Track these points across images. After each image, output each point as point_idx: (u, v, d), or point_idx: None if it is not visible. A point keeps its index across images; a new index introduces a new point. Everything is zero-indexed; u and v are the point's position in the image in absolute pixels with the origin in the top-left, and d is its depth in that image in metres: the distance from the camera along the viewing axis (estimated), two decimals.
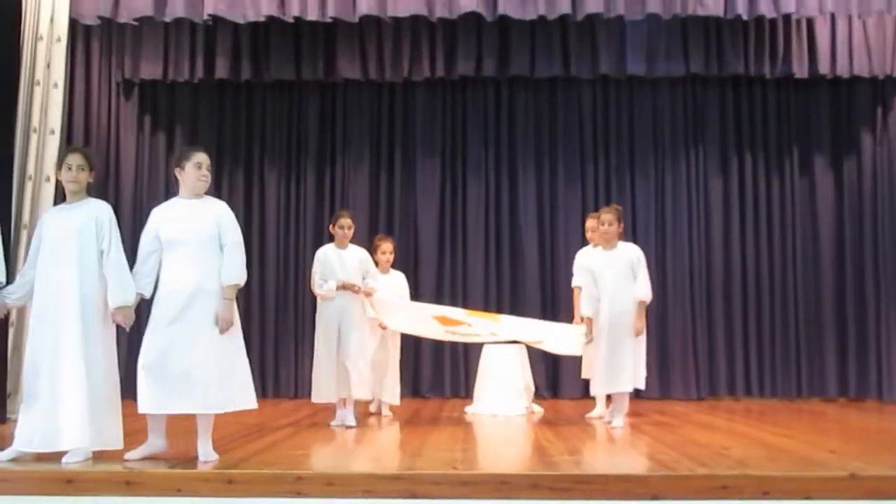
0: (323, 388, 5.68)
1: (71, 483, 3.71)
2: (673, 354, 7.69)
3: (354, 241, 5.95)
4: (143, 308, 4.35)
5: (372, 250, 6.22)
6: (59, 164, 4.38)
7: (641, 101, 7.86)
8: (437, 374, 7.71)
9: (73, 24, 6.59)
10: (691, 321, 7.73)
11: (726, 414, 6.46)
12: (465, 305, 7.16)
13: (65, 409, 4.07)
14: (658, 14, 6.33)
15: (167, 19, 6.45)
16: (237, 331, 4.31)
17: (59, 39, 6.17)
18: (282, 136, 7.91)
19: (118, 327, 4.31)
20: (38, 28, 6.08)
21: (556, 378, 7.66)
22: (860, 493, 3.55)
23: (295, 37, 7.40)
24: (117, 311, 4.18)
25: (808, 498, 3.55)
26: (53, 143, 6.07)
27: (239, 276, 4.29)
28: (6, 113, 5.78)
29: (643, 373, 5.92)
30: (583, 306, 5.93)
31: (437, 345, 7.42)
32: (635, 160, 7.87)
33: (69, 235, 4.24)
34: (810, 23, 7.31)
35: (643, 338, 5.86)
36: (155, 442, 4.21)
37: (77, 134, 7.33)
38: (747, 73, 7.49)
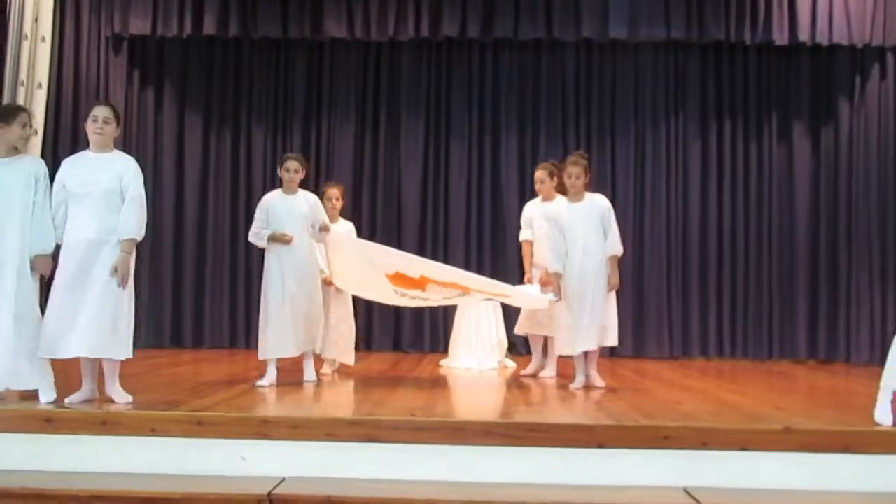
0: (270, 344, 5.29)
1: (50, 422, 3.92)
2: (648, 315, 7.87)
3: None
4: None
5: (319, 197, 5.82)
6: (9, 119, 4.55)
7: (623, 66, 7.96)
8: (418, 329, 7.90)
9: None
10: (666, 282, 7.91)
11: (695, 373, 6.64)
12: (447, 263, 7.33)
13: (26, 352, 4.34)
14: None
15: None
16: (131, 284, 4.50)
17: None
18: (269, 93, 8.03)
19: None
20: None
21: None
22: (794, 445, 3.75)
23: (282, 1, 7.51)
24: (37, 259, 4.40)
25: (743, 449, 3.74)
26: (41, 98, 6.23)
27: (134, 230, 4.44)
28: None
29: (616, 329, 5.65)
30: (550, 261, 5.57)
31: None
32: (616, 123, 8.00)
33: (12, 189, 4.44)
34: None
35: (614, 293, 5.56)
36: (88, 387, 4.43)
37: (66, 88, 7.43)
38: (728, 39, 7.58)
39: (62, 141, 6.99)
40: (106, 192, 4.39)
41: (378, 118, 8.02)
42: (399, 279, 5.70)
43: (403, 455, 3.81)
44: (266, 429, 3.86)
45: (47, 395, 4.30)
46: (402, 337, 7.93)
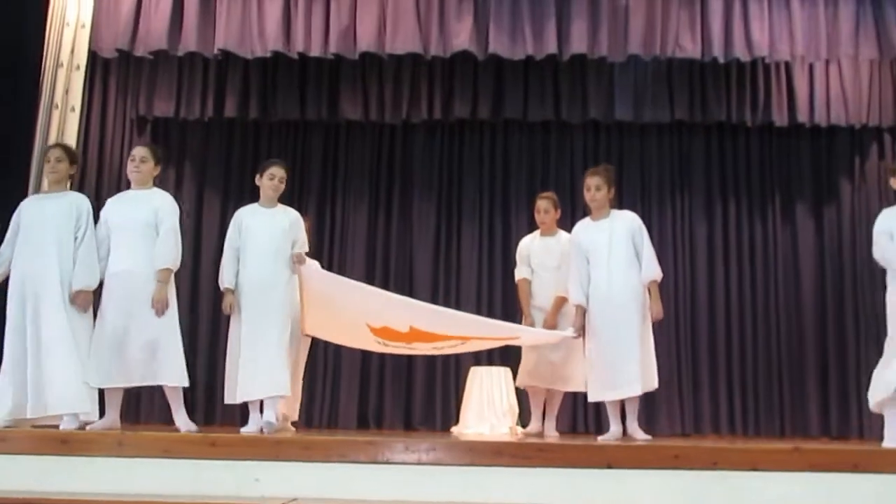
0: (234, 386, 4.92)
1: (66, 443, 3.99)
2: (658, 392, 7.82)
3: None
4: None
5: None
6: (42, 157, 4.82)
7: (629, 146, 8.20)
8: (429, 404, 7.89)
9: (93, 58, 7.08)
10: (676, 359, 7.93)
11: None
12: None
13: (56, 379, 4.41)
14: (639, 55, 6.73)
15: (180, 53, 6.89)
16: (172, 311, 4.63)
17: (78, 68, 6.62)
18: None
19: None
20: (59, 56, 6.54)
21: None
22: (804, 465, 3.78)
23: (301, 77, 7.82)
24: (78, 294, 4.56)
25: (754, 469, 3.77)
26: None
27: (170, 260, 4.64)
28: (26, 132, 6.21)
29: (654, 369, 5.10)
30: (571, 291, 5.03)
31: (429, 374, 7.67)
32: (623, 202, 8.08)
33: (52, 222, 4.64)
34: (789, 72, 7.69)
35: (650, 327, 5.01)
36: (112, 417, 4.53)
37: (91, 166, 7.69)
38: (729, 120, 7.84)
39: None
40: (144, 225, 4.63)
41: (391, 196, 8.23)
42: (385, 333, 5.27)
43: (414, 476, 3.86)
44: (278, 450, 3.92)
45: (72, 424, 4.38)
46: (413, 414, 7.93)
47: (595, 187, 5.06)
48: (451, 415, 7.74)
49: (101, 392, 4.73)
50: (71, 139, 6.50)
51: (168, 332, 4.62)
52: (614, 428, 4.91)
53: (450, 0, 6.82)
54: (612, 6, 6.77)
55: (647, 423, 7.73)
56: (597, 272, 4.93)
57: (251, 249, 4.94)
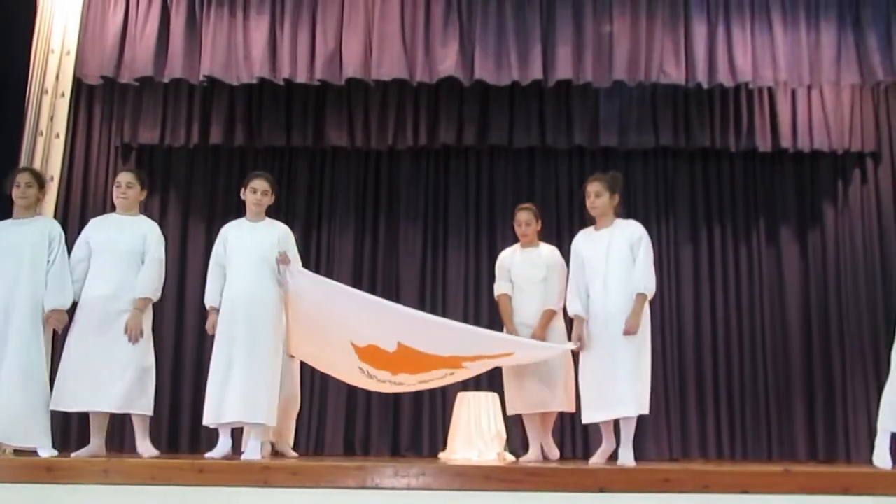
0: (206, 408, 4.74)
1: (50, 471, 3.93)
2: (646, 418, 7.79)
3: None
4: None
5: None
6: (10, 183, 4.77)
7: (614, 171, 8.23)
8: (416, 430, 7.84)
9: (78, 85, 7.07)
10: (663, 384, 7.91)
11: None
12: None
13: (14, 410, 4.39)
14: (624, 81, 6.78)
15: (166, 80, 6.89)
16: (146, 340, 4.67)
17: (63, 95, 6.61)
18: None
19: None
20: (43, 83, 6.53)
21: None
22: (794, 487, 3.77)
23: (286, 104, 7.83)
24: (52, 314, 4.54)
25: (745, 492, 3.76)
26: (52, 190, 6.44)
27: (150, 290, 4.62)
28: (11, 159, 6.18)
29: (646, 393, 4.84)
30: (569, 302, 4.83)
31: (416, 400, 7.63)
32: None
33: (22, 249, 4.61)
34: (772, 98, 7.77)
35: (647, 347, 4.79)
36: (97, 443, 4.49)
37: (75, 192, 7.66)
38: (714, 145, 7.90)
39: (70, 233, 7.14)
40: (127, 251, 4.60)
41: (377, 222, 8.22)
42: (370, 355, 4.97)
43: (404, 501, 3.82)
44: (266, 475, 3.87)
45: (48, 452, 4.34)
46: (401, 440, 7.87)
47: (595, 194, 4.88)
48: (439, 441, 7.69)
49: (86, 418, 4.69)
50: (55, 166, 6.49)
51: (140, 359, 4.59)
52: (606, 445, 4.81)
53: (435, 26, 6.86)
54: (597, 33, 6.83)
55: (634, 448, 7.70)
56: (593, 284, 4.74)
57: (236, 265, 4.78)
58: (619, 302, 4.63)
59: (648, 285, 4.66)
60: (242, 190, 5.02)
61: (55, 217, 6.51)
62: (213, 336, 4.93)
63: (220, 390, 4.59)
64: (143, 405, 4.60)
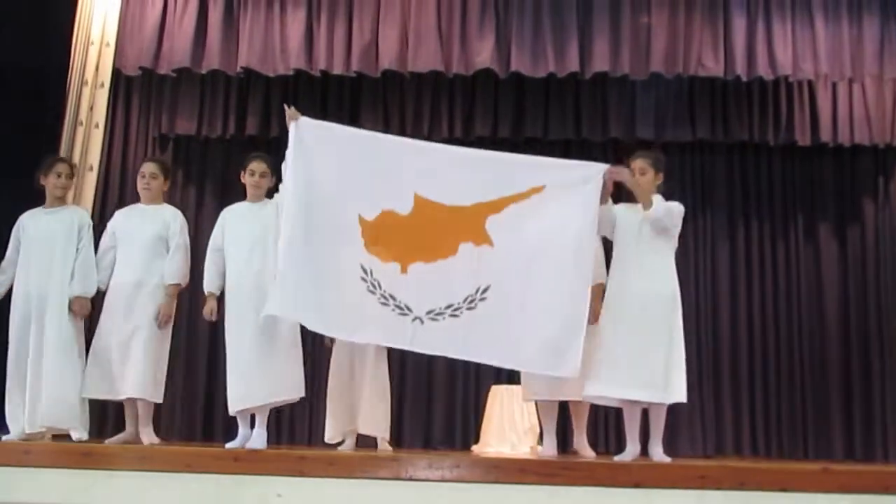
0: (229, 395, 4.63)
1: (88, 456, 3.98)
2: (680, 412, 7.77)
3: None
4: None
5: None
6: (47, 171, 4.80)
7: None
8: (449, 422, 7.83)
9: (117, 76, 7.13)
10: (697, 380, 7.84)
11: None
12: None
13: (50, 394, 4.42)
14: (661, 73, 6.72)
15: (203, 71, 6.95)
16: (168, 328, 4.72)
17: (102, 85, 6.67)
18: None
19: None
20: (83, 74, 6.59)
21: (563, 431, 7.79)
22: (833, 486, 3.72)
23: (322, 95, 7.83)
24: (76, 300, 4.59)
25: (783, 489, 3.71)
26: (91, 180, 6.51)
27: (179, 276, 4.65)
28: (51, 149, 6.24)
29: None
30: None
31: (449, 393, 7.64)
32: None
33: (54, 237, 4.66)
34: (812, 91, 7.64)
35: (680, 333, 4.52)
36: (130, 430, 4.54)
37: (112, 182, 7.72)
38: (752, 139, 7.79)
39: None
40: (152, 238, 4.63)
41: None
42: (380, 232, 4.37)
43: (438, 493, 3.82)
44: (302, 465, 3.89)
45: (80, 434, 4.39)
46: (433, 433, 7.87)
47: (640, 171, 4.53)
48: (471, 434, 7.68)
49: (121, 405, 4.75)
50: (94, 156, 6.55)
51: (158, 347, 4.65)
52: (631, 447, 4.48)
53: (472, 18, 6.84)
54: (634, 24, 6.78)
55: (668, 444, 7.63)
56: (624, 256, 4.49)
57: (234, 248, 4.66)
58: (657, 286, 4.42)
59: (660, 208, 4.42)
60: (242, 173, 4.88)
61: (93, 206, 6.60)
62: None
63: (243, 375, 4.50)
64: (154, 392, 4.64)
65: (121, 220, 4.89)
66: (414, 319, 4.33)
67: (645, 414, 4.63)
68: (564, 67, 6.71)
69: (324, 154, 4.47)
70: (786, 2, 6.85)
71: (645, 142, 7.94)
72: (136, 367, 4.54)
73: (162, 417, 6.97)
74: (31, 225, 4.84)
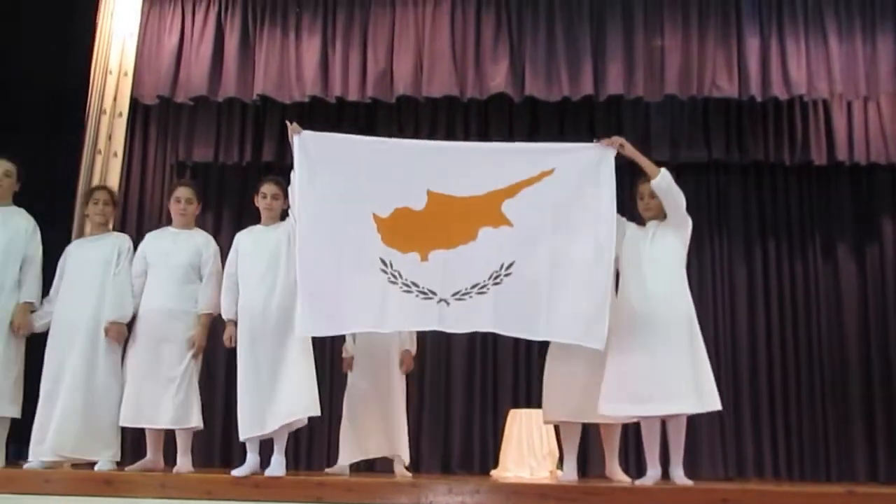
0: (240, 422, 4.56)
1: (109, 484, 3.98)
2: (699, 434, 7.74)
3: None
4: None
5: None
6: (86, 200, 4.85)
7: None
8: (467, 445, 7.80)
9: (134, 105, 7.21)
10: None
11: None
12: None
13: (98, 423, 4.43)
14: (676, 95, 6.74)
15: (220, 99, 7.01)
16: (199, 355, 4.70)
17: (120, 114, 6.74)
18: None
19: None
20: (102, 103, 6.67)
21: (583, 455, 7.74)
22: None
23: (337, 121, 7.85)
24: (112, 326, 4.59)
25: None
26: None
27: (211, 305, 4.63)
28: (70, 177, 6.32)
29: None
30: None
31: (467, 416, 7.61)
32: None
33: (93, 265, 4.69)
34: (827, 110, 7.62)
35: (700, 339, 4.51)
36: (153, 458, 4.53)
37: (131, 209, 7.78)
38: (767, 159, 7.76)
39: None
40: (184, 264, 4.65)
41: None
42: (396, 227, 4.36)
43: None
44: (321, 492, 3.88)
45: (106, 466, 4.39)
46: (451, 457, 7.84)
47: (650, 194, 4.65)
48: (490, 458, 7.65)
49: (141, 431, 4.76)
50: (113, 184, 6.60)
51: (192, 374, 4.64)
52: (652, 471, 4.39)
53: (486, 43, 6.88)
54: (647, 47, 6.81)
55: (688, 467, 7.59)
56: (632, 272, 4.51)
57: (247, 272, 4.61)
58: (662, 290, 4.40)
59: (668, 177, 4.53)
60: (255, 196, 4.88)
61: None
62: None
63: (256, 401, 4.43)
64: (194, 420, 4.64)
65: (151, 243, 4.90)
66: (440, 301, 4.34)
67: (664, 435, 4.58)
68: (579, 91, 6.74)
69: (330, 162, 4.51)
70: (799, 21, 6.87)
71: (660, 163, 7.94)
72: (173, 395, 4.55)
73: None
74: (74, 253, 4.92)
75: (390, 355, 5.24)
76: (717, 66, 6.80)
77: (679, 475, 4.41)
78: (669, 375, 4.24)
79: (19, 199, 5.12)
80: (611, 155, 4.58)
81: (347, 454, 5.10)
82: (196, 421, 4.61)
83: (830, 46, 6.82)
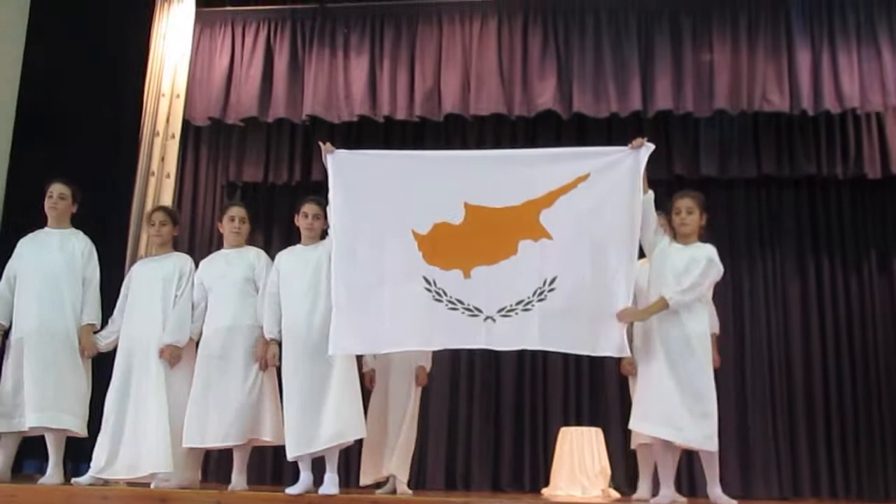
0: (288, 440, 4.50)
1: (165, 502, 4.02)
2: (754, 453, 7.63)
3: None
4: None
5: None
6: (146, 222, 4.96)
7: (716, 201, 8.01)
8: (518, 463, 7.76)
9: (186, 126, 7.33)
10: (771, 420, 7.69)
11: None
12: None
13: (150, 440, 4.49)
14: (726, 110, 6.68)
15: (270, 120, 7.10)
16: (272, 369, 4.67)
17: (173, 136, 6.84)
18: None
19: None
20: (155, 125, 6.78)
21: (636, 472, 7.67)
22: None
23: (385, 140, 7.92)
24: (167, 348, 4.65)
25: None
26: None
27: None
28: (124, 199, 6.43)
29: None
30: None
31: (517, 434, 7.58)
32: None
33: (155, 285, 4.77)
34: (880, 123, 7.50)
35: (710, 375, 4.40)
36: (186, 473, 4.56)
37: (184, 231, 7.86)
38: (819, 173, 7.66)
39: None
40: (241, 281, 4.71)
41: None
42: (436, 243, 4.35)
43: None
44: None
45: (162, 483, 4.44)
46: (501, 475, 7.81)
47: (686, 210, 4.65)
48: (540, 477, 7.60)
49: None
50: (167, 204, 6.68)
51: (266, 388, 4.67)
52: (666, 491, 4.35)
53: (533, 60, 6.89)
54: (696, 62, 6.78)
55: (742, 487, 7.52)
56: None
57: (289, 292, 4.62)
58: (684, 325, 4.38)
59: (673, 292, 4.36)
60: (296, 216, 4.91)
61: None
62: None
63: (302, 421, 4.41)
64: (271, 432, 4.63)
65: (206, 269, 4.96)
66: (486, 319, 4.35)
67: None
68: (627, 107, 6.72)
69: (365, 180, 4.53)
70: (851, 34, 6.78)
71: (709, 178, 7.90)
72: (254, 412, 4.58)
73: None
74: (138, 273, 5.04)
75: (404, 373, 5.23)
76: (768, 80, 6.74)
77: (717, 494, 4.36)
78: (689, 406, 4.25)
79: (77, 221, 5.22)
80: (643, 157, 4.58)
81: (369, 475, 5.05)
82: (270, 434, 4.61)
83: (884, 58, 6.72)
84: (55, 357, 4.81)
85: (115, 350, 4.94)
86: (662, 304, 4.35)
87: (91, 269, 5.02)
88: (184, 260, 5.04)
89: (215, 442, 4.57)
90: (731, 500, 4.42)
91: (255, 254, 4.92)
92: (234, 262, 4.84)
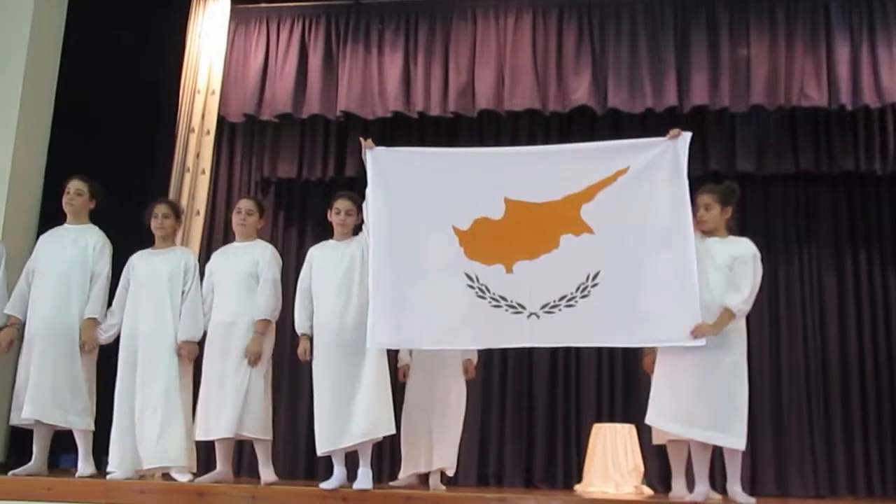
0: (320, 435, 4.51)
1: (202, 496, 4.06)
2: (790, 449, 7.56)
3: None
4: None
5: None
6: (149, 214, 4.98)
7: (753, 198, 7.96)
8: (550, 460, 7.75)
9: (221, 123, 7.38)
10: (807, 417, 7.60)
11: None
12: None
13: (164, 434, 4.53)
14: (763, 105, 6.61)
15: (304, 116, 7.13)
16: (263, 364, 4.69)
17: (208, 133, 6.91)
18: None
19: None
20: (190, 122, 6.85)
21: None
22: None
23: (419, 136, 7.91)
24: (184, 344, 4.69)
25: None
26: (198, 224, 6.73)
27: (267, 311, 4.69)
28: (160, 195, 6.48)
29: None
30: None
31: (550, 431, 7.56)
32: None
33: (159, 278, 4.79)
34: None
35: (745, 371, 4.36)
36: (223, 468, 4.59)
37: (218, 226, 7.93)
38: (858, 169, 7.56)
39: None
40: (245, 276, 4.76)
41: None
42: (477, 238, 4.32)
43: None
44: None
45: (183, 476, 4.48)
46: (534, 471, 7.79)
47: (704, 206, 4.53)
48: (573, 473, 7.58)
49: (211, 443, 4.82)
50: (201, 201, 6.77)
51: (255, 383, 4.68)
52: (701, 487, 4.30)
53: (568, 55, 6.86)
54: (733, 57, 6.71)
55: (779, 486, 7.46)
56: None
57: (321, 286, 4.63)
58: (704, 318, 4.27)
59: (737, 303, 4.28)
60: (329, 212, 4.88)
61: (200, 249, 6.79)
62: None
63: (332, 417, 4.41)
64: (257, 429, 4.67)
65: (216, 260, 5.03)
66: (529, 316, 4.32)
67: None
68: (662, 102, 6.67)
69: (404, 177, 4.53)
70: (892, 27, 6.68)
71: (746, 174, 7.83)
72: (237, 405, 4.61)
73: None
74: (139, 265, 5.04)
75: (450, 365, 5.16)
76: (806, 75, 6.66)
77: (736, 491, 4.31)
78: (709, 404, 4.21)
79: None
80: (683, 147, 4.58)
81: (411, 467, 5.03)
82: (260, 431, 4.64)
83: None
84: (57, 352, 4.84)
85: (116, 343, 4.95)
86: (729, 316, 4.28)
87: (101, 264, 5.03)
88: (187, 254, 5.10)
89: (216, 435, 4.63)
90: (749, 498, 4.38)
91: (261, 247, 4.95)
92: (241, 255, 4.89)
